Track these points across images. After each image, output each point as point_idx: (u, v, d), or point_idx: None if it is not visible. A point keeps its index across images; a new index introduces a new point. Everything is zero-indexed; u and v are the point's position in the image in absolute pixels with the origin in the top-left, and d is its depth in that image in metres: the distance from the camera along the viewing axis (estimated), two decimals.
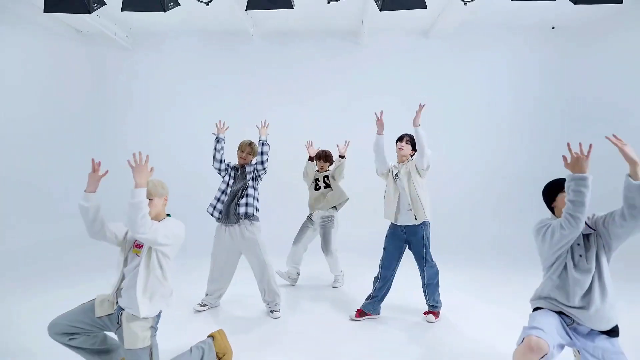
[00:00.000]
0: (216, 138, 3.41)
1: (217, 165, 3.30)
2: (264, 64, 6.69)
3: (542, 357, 1.67)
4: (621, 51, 5.96)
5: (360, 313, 3.12)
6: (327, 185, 3.97)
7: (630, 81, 5.83)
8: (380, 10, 4.49)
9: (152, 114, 6.73)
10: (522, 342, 1.75)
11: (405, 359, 2.51)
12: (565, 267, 1.88)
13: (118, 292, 2.05)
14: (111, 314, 2.05)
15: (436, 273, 3.06)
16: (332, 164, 4.07)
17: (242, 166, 3.33)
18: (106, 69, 6.75)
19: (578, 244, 1.88)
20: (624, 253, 4.13)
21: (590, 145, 1.83)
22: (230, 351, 2.36)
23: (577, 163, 1.85)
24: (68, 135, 6.38)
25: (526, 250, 5.25)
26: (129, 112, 6.77)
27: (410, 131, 3.23)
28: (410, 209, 2.98)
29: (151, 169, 1.99)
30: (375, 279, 3.15)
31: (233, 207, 3.11)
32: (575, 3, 4.52)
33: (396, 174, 3.14)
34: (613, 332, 1.85)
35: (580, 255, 1.87)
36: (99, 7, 4.68)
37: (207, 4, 4.53)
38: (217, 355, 2.29)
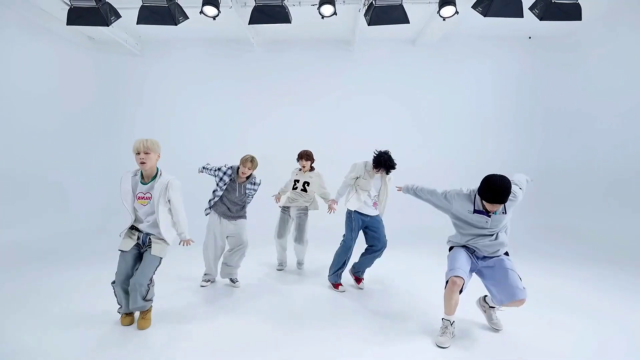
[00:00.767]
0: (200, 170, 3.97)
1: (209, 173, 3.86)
2: (264, 70, 7.22)
3: (461, 288, 2.51)
4: (590, 59, 6.54)
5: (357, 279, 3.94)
6: (304, 190, 4.30)
7: (597, 87, 6.40)
8: (369, 25, 5.05)
9: (159, 116, 7.22)
10: (446, 284, 2.57)
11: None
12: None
13: (135, 229, 2.81)
14: (136, 244, 2.80)
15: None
16: (313, 162, 4.37)
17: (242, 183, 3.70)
18: (116, 74, 7.23)
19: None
20: (625, 253, 4.75)
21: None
22: None
23: None
24: (80, 135, 6.84)
25: (519, 241, 5.84)
26: (138, 114, 7.26)
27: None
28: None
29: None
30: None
31: (233, 211, 3.67)
32: (540, 19, 5.11)
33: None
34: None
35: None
36: (115, 20, 5.20)
37: (214, 18, 5.05)
38: None
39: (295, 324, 2.91)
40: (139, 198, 2.74)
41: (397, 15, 4.98)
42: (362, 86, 7.19)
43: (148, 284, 2.76)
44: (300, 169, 4.42)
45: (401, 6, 4.91)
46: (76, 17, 4.94)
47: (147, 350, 2.47)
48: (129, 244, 2.77)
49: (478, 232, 2.63)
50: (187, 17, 5.22)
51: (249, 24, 5.23)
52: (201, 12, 4.94)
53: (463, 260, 2.65)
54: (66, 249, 5.31)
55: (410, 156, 6.16)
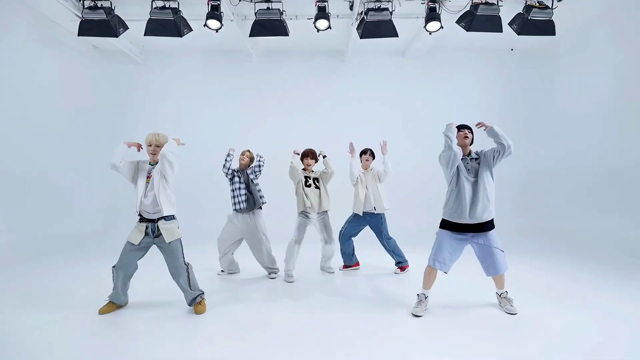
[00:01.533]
0: (229, 153, 4.35)
1: (225, 170, 4.25)
2: (263, 79, 7.61)
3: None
4: (567, 68, 7.02)
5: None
6: (317, 186, 4.31)
7: (575, 94, 6.86)
8: (361, 38, 5.45)
9: (161, 122, 7.51)
10: (427, 265, 3.12)
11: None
12: (458, 178, 3.08)
13: (141, 217, 3.06)
14: (146, 234, 3.03)
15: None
16: (317, 161, 4.44)
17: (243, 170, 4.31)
18: (120, 82, 7.54)
19: (468, 170, 3.11)
20: (625, 254, 5.09)
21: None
22: None
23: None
24: (85, 140, 7.11)
25: (504, 241, 6.18)
26: (140, 120, 7.56)
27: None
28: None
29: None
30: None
31: (251, 199, 4.14)
32: (518, 34, 5.56)
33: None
34: (489, 225, 3.07)
35: (469, 170, 3.11)
36: (124, 32, 5.55)
37: (217, 31, 5.41)
38: None
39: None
40: (147, 177, 3.08)
41: (387, 29, 5.40)
42: (354, 94, 7.60)
43: (186, 270, 3.09)
44: (303, 169, 4.38)
45: (390, 21, 5.33)
46: (87, 28, 5.29)
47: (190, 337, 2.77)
48: (139, 237, 3.02)
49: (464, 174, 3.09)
50: (192, 30, 5.59)
51: (249, 36, 5.61)
52: (205, 25, 5.30)
53: (445, 251, 3.06)
54: (71, 248, 5.55)
55: (400, 160, 6.53)
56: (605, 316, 3.01)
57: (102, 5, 5.27)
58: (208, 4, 5.24)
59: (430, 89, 7.68)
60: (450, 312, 3.14)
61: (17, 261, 4.75)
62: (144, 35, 5.39)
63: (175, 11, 5.29)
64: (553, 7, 5.39)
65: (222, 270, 4.42)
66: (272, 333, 2.72)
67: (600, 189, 6.28)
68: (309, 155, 4.36)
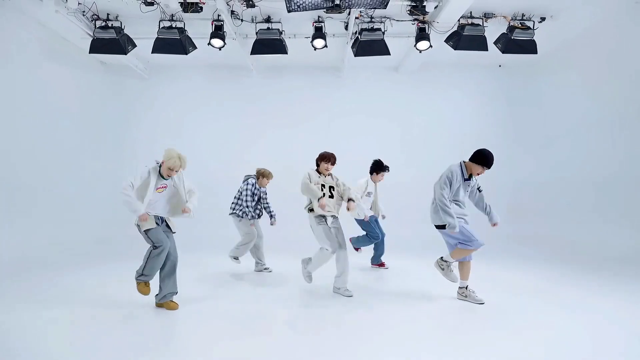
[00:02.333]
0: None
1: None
2: (262, 94, 7.96)
3: None
4: (553, 82, 7.40)
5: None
6: (332, 196, 3.94)
7: (560, 106, 7.23)
8: (355, 56, 5.81)
9: (164, 134, 7.82)
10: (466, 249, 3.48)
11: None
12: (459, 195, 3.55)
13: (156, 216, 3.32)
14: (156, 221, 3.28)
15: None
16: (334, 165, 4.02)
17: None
18: (126, 96, 7.86)
19: (464, 190, 3.61)
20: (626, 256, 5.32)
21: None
22: None
23: None
24: (92, 151, 7.39)
25: (498, 246, 6.44)
26: (145, 132, 7.86)
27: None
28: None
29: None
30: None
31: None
32: (503, 52, 5.94)
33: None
34: None
35: (465, 191, 3.60)
36: (132, 49, 5.90)
37: (220, 49, 5.76)
38: None
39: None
40: (157, 189, 3.28)
41: (380, 48, 5.77)
42: (350, 108, 7.95)
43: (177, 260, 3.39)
44: (322, 174, 3.96)
45: (383, 40, 5.70)
46: (98, 46, 5.64)
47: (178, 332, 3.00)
48: (152, 221, 3.23)
49: (460, 198, 3.53)
50: (196, 47, 5.95)
51: (250, 54, 5.96)
52: (209, 43, 5.65)
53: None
54: (79, 254, 5.75)
55: (395, 172, 6.82)
56: (600, 320, 3.05)
57: (112, 25, 5.62)
58: (212, 24, 5.60)
59: (423, 103, 8.03)
60: (444, 314, 3.25)
61: (27, 267, 4.93)
62: (152, 52, 5.74)
63: (181, 30, 5.65)
64: (534, 28, 5.78)
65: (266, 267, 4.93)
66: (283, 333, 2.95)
67: (587, 197, 6.58)
68: (329, 159, 3.92)
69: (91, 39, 5.68)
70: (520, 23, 5.78)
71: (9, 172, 5.65)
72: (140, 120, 7.92)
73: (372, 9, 5.44)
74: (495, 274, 4.78)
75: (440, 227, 3.49)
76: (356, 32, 5.83)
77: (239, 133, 7.88)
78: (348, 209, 3.80)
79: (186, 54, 5.78)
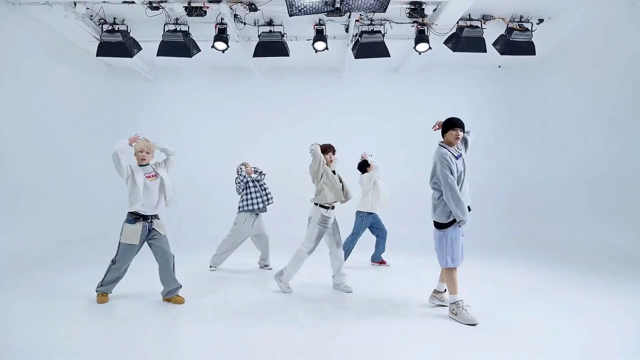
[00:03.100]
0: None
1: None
2: (264, 95, 8.09)
3: None
4: (552, 83, 7.49)
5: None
6: (340, 180, 4.02)
7: (558, 107, 7.31)
8: (355, 58, 5.92)
9: (168, 134, 7.93)
10: (449, 266, 3.07)
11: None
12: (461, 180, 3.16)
13: (137, 216, 3.35)
14: (142, 234, 3.34)
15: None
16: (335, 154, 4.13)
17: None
18: (131, 97, 8.02)
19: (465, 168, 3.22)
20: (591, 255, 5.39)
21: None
22: None
23: None
24: (97, 151, 7.52)
25: (497, 246, 6.55)
26: (149, 132, 7.96)
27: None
28: None
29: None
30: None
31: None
32: (501, 54, 6.03)
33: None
34: None
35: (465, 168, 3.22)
36: (138, 52, 6.04)
37: (223, 52, 5.89)
38: None
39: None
40: (147, 177, 3.39)
41: (379, 50, 5.87)
42: (351, 108, 8.06)
43: (173, 258, 3.47)
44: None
45: (383, 42, 5.80)
46: (105, 49, 5.77)
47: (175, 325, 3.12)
48: (137, 237, 3.30)
49: (461, 180, 3.13)
50: (200, 50, 6.08)
51: (253, 56, 6.09)
52: (213, 46, 5.78)
53: (461, 247, 3.10)
54: (83, 252, 5.89)
55: (395, 171, 6.96)
56: (598, 319, 3.10)
57: (118, 28, 5.76)
58: (215, 27, 5.73)
59: (423, 103, 8.12)
60: (437, 316, 3.22)
61: (32, 264, 5.06)
62: (157, 55, 5.87)
63: (186, 34, 5.78)
64: (532, 30, 5.86)
65: (215, 266, 4.80)
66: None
67: (585, 196, 6.66)
68: (329, 149, 4.01)
69: (98, 42, 5.82)
70: (519, 25, 5.86)
71: (16, 171, 5.81)
72: (144, 121, 8.06)
73: (372, 12, 5.55)
74: (493, 273, 4.85)
75: (441, 225, 3.10)
76: (356, 34, 5.94)
77: (241, 133, 8.01)
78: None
79: (190, 56, 5.91)
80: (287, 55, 6.00)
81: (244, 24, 5.89)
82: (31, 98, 6.16)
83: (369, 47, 5.85)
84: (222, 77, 8.09)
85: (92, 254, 5.78)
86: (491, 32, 5.96)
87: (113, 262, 3.40)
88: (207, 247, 5.34)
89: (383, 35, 5.81)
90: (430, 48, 5.89)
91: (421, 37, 5.80)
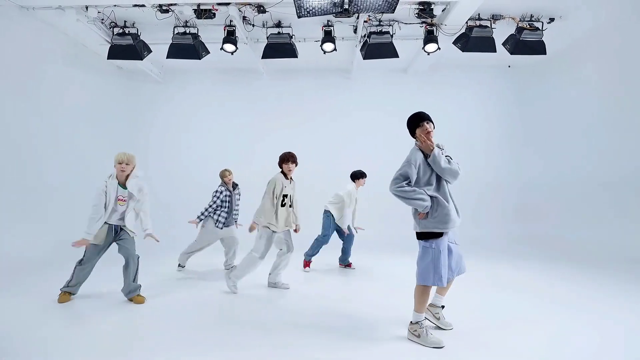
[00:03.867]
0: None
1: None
2: (272, 95, 8.14)
3: None
4: (563, 82, 7.37)
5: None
6: (291, 205, 4.04)
7: (567, 108, 7.20)
8: (364, 59, 5.91)
9: (178, 135, 8.07)
10: (423, 283, 2.59)
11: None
12: (439, 181, 2.74)
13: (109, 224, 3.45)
14: (107, 235, 3.44)
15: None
16: (297, 165, 4.07)
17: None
18: (141, 99, 8.11)
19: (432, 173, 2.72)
20: (597, 255, 5.31)
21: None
22: None
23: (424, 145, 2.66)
24: (108, 152, 7.62)
25: (507, 247, 6.49)
26: (160, 132, 8.09)
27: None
28: None
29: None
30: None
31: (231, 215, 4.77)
32: (511, 54, 5.97)
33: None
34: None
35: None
36: (148, 55, 6.10)
37: (232, 54, 5.92)
38: None
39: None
40: (119, 200, 3.45)
41: (388, 51, 5.85)
42: (359, 109, 8.06)
43: (137, 260, 3.52)
44: (283, 174, 3.97)
45: (391, 43, 5.79)
46: (116, 52, 5.85)
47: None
48: (101, 238, 3.40)
49: (440, 184, 2.70)
50: (209, 52, 6.12)
51: (261, 58, 6.12)
52: (222, 48, 5.82)
53: (447, 262, 2.64)
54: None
55: None
56: (603, 320, 3.07)
57: (129, 31, 5.83)
58: (224, 30, 5.77)
59: (432, 104, 7.96)
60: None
61: (41, 264, 5.13)
62: (167, 58, 5.93)
63: (195, 36, 5.83)
64: (543, 29, 5.80)
65: (182, 266, 4.91)
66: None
67: (597, 197, 6.54)
68: (289, 159, 3.94)
69: (109, 45, 5.90)
70: (529, 24, 5.80)
71: (28, 172, 5.88)
72: (154, 122, 8.16)
73: (381, 13, 5.54)
74: (501, 273, 4.80)
75: (423, 236, 2.67)
76: (365, 35, 5.93)
77: (250, 135, 8.05)
78: (250, 230, 3.93)
79: (199, 58, 5.96)
80: (296, 56, 6.01)
81: (253, 25, 5.92)
82: (43, 101, 6.24)
83: (378, 48, 5.84)
84: (231, 79, 8.15)
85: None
86: (501, 32, 5.91)
87: (80, 262, 3.47)
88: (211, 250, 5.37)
89: (391, 36, 5.79)
90: (439, 48, 5.86)
91: (430, 37, 5.77)
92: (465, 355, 2.44)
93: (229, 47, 5.81)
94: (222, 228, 4.63)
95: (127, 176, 3.49)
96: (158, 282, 4.25)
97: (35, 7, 5.45)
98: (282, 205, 3.87)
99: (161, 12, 5.51)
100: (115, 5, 5.45)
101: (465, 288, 3.79)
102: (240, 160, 7.66)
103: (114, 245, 3.56)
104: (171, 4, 5.41)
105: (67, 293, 3.52)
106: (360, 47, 6.20)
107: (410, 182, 2.64)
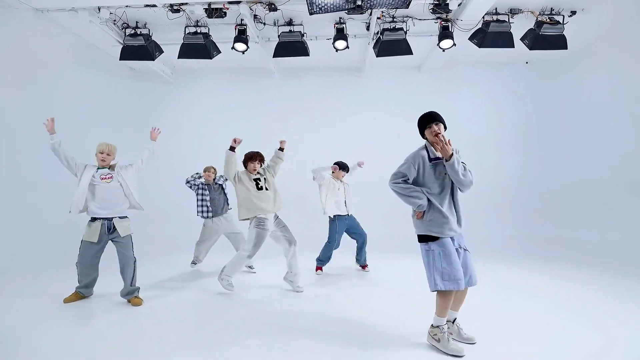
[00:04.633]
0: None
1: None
2: (283, 94, 8.05)
3: None
4: (582, 80, 7.10)
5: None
6: (267, 188, 3.94)
7: (588, 106, 6.93)
8: (377, 56, 5.79)
9: (190, 136, 8.06)
10: (432, 289, 2.43)
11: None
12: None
13: (94, 219, 3.40)
14: (101, 232, 3.38)
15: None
16: (262, 164, 4.14)
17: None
18: (153, 100, 8.13)
19: (437, 176, 2.58)
20: (616, 258, 5.10)
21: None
22: None
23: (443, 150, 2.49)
24: (120, 154, 7.68)
25: (524, 248, 6.30)
26: (170, 134, 8.09)
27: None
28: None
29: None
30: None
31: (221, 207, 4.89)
32: (530, 49, 5.76)
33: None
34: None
35: (446, 174, 2.58)
36: (159, 55, 6.09)
37: (243, 53, 5.87)
38: None
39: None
40: (102, 178, 3.44)
41: (402, 48, 5.71)
42: (371, 107, 7.91)
43: (134, 263, 3.47)
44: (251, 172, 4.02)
45: (405, 40, 5.65)
46: (128, 53, 5.86)
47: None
48: (95, 235, 3.35)
49: (444, 189, 2.55)
50: (220, 52, 6.08)
51: (273, 57, 6.05)
52: (233, 47, 5.77)
53: (459, 263, 2.47)
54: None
55: None
56: (618, 324, 2.98)
57: (141, 32, 5.84)
58: (235, 29, 5.72)
59: (446, 102, 7.88)
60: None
61: (52, 264, 5.16)
62: (178, 58, 5.91)
63: (206, 36, 5.79)
64: (564, 23, 5.57)
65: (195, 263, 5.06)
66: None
67: (612, 199, 6.29)
68: (255, 157, 4.01)
69: (121, 46, 5.92)
70: (549, 18, 5.59)
71: (40, 174, 5.93)
72: (166, 123, 8.10)
73: (394, 9, 5.40)
74: (520, 278, 4.61)
75: (421, 238, 2.58)
76: (378, 32, 5.81)
77: (262, 134, 7.94)
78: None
79: (211, 58, 5.92)
80: (307, 55, 5.93)
81: (264, 24, 5.85)
82: (57, 103, 6.29)
83: (391, 45, 5.70)
84: (242, 78, 8.11)
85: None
86: (519, 27, 5.71)
87: (77, 262, 3.47)
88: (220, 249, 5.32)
89: (405, 33, 5.66)
90: (454, 44, 5.69)
91: (445, 33, 5.61)
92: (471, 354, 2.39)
93: (240, 46, 5.76)
94: (206, 218, 4.84)
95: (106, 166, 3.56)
96: (159, 283, 4.25)
97: (50, 9, 5.50)
98: (259, 189, 3.83)
99: (172, 12, 5.49)
100: (127, 6, 5.45)
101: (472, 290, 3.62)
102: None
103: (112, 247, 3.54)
104: (182, 4, 5.38)
105: (77, 294, 3.51)
106: (373, 45, 6.07)
107: (408, 180, 2.57)
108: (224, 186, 5.02)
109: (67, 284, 3.81)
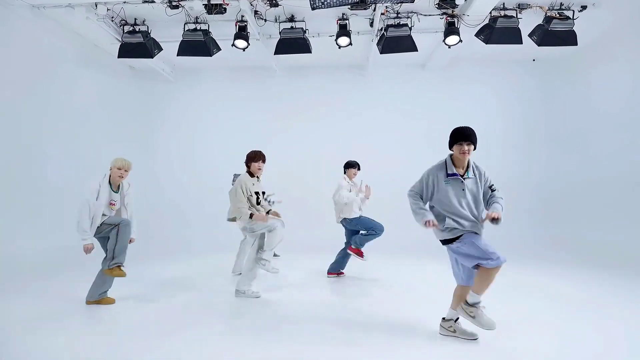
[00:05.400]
0: None
1: None
2: (285, 93, 7.92)
3: None
4: (590, 78, 6.92)
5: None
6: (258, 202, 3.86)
7: (595, 104, 6.75)
8: (381, 53, 5.64)
9: (190, 135, 7.95)
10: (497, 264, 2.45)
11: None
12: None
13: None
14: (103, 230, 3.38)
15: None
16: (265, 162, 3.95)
17: None
18: (153, 99, 8.02)
19: (463, 190, 2.64)
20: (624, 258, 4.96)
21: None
22: None
23: None
24: (121, 152, 7.58)
25: (533, 250, 6.18)
26: (170, 133, 8.00)
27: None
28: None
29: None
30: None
31: None
32: (539, 45, 5.59)
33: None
34: None
35: (463, 190, 2.66)
36: (158, 53, 5.96)
37: (244, 50, 5.74)
38: None
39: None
40: (110, 204, 3.44)
41: (406, 45, 5.56)
42: (375, 106, 7.77)
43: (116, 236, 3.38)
44: (250, 174, 3.84)
45: (410, 36, 5.50)
46: (126, 51, 5.74)
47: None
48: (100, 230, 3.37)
49: (460, 208, 2.60)
50: (220, 49, 5.95)
51: (274, 54, 5.91)
52: (233, 44, 5.64)
53: (485, 242, 2.56)
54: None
55: (420, 169, 6.58)
56: (621, 325, 2.95)
57: (139, 29, 5.71)
58: (236, 25, 5.59)
59: (451, 100, 7.73)
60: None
61: (53, 265, 5.08)
62: (177, 55, 5.79)
63: (206, 32, 5.67)
64: (574, 18, 5.40)
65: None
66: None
67: (620, 200, 6.12)
68: (259, 157, 3.82)
69: (119, 43, 5.80)
70: (559, 13, 5.41)
71: (38, 173, 5.82)
72: (166, 122, 8.07)
73: (399, 4, 5.26)
74: (526, 278, 4.46)
75: (446, 241, 2.66)
76: (382, 28, 5.66)
77: (263, 133, 7.84)
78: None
79: (210, 55, 5.79)
80: (310, 52, 5.78)
81: (265, 20, 5.72)
82: (55, 101, 6.18)
83: (395, 42, 5.55)
84: (243, 76, 7.98)
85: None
86: (527, 22, 5.54)
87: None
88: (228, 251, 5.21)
89: (410, 29, 5.50)
90: (461, 41, 5.54)
91: (451, 29, 5.46)
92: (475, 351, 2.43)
93: (241, 43, 5.62)
94: None
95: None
96: (158, 283, 4.23)
97: (46, 5, 5.37)
98: (258, 204, 3.77)
99: (171, 8, 5.36)
100: (124, 2, 5.33)
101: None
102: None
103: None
104: None
105: (117, 267, 3.36)
106: (376, 41, 5.92)
107: (420, 195, 2.73)
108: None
109: (68, 284, 3.81)
